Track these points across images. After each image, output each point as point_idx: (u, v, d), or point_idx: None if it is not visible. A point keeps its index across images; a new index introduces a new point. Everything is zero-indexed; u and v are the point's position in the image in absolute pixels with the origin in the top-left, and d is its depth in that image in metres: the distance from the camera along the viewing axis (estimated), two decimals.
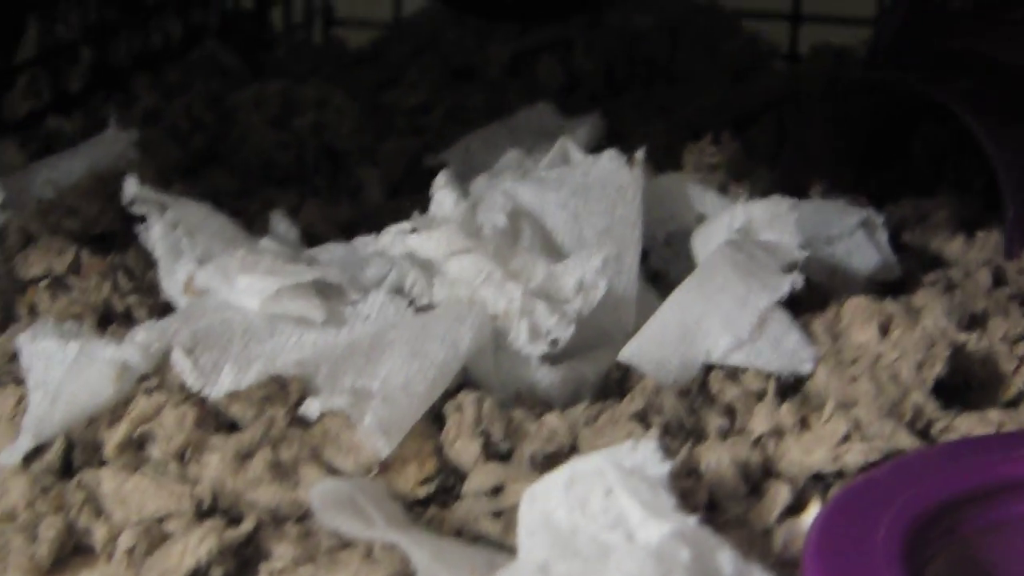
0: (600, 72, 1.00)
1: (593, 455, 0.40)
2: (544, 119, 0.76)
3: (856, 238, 0.62)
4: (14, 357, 0.51)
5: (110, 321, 0.55)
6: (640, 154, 0.57)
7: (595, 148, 0.63)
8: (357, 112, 0.83)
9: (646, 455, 0.40)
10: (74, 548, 0.46)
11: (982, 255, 0.65)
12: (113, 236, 0.61)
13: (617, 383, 0.52)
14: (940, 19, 0.73)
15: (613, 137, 0.80)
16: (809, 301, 0.57)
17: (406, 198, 0.71)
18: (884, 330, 0.52)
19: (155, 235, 0.54)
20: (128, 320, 0.55)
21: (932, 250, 0.68)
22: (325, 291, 0.52)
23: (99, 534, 0.45)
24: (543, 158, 0.61)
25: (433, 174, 0.63)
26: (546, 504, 0.40)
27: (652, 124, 0.84)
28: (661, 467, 0.40)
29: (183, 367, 0.47)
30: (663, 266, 0.59)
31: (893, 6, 0.78)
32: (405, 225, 0.52)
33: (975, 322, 0.56)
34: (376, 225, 0.56)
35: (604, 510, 0.39)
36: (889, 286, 0.62)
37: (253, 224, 0.63)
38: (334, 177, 0.78)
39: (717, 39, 1.07)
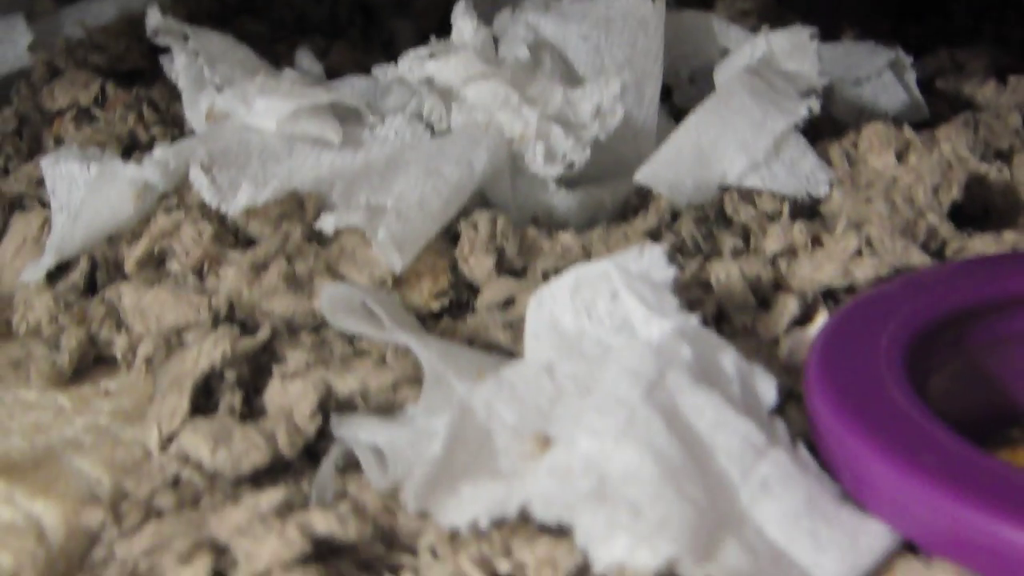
0: None
1: (600, 261, 0.40)
2: None
3: (884, 79, 0.62)
4: (40, 182, 0.52)
5: (134, 151, 0.56)
6: None
7: None
8: None
9: (652, 260, 0.40)
10: (95, 359, 0.47)
11: (1014, 98, 0.65)
12: (140, 74, 0.61)
13: (635, 209, 0.52)
14: None
15: None
16: (834, 132, 0.57)
17: None
18: (901, 156, 0.52)
19: (178, 65, 0.54)
20: (152, 150, 0.56)
21: (964, 95, 0.68)
22: (345, 116, 0.52)
23: (120, 344, 0.46)
24: None
25: None
26: (553, 308, 0.41)
27: None
28: (667, 271, 0.40)
29: (201, 184, 0.48)
30: (686, 103, 0.59)
31: None
32: (423, 50, 0.53)
33: (1000, 156, 0.56)
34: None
35: (609, 313, 0.40)
36: (918, 126, 0.62)
37: (281, 66, 0.63)
38: (367, 30, 0.78)
39: None
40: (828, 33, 0.71)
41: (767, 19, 0.71)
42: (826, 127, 0.58)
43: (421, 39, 0.74)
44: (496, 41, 0.55)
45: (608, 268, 0.40)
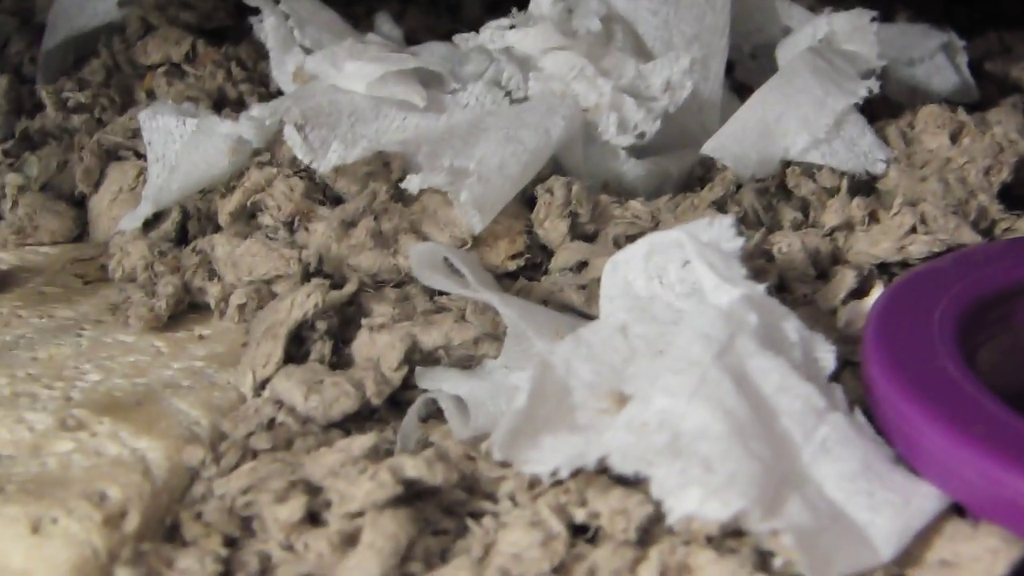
0: None
1: (672, 229, 0.43)
2: None
3: (936, 60, 0.64)
4: (135, 134, 0.55)
5: (223, 107, 0.59)
6: None
7: None
8: None
9: (722, 230, 0.43)
10: (189, 306, 0.50)
11: None
12: (228, 31, 0.64)
13: (699, 180, 0.54)
14: None
15: None
16: (888, 112, 0.59)
17: (504, 14, 0.73)
18: (955, 138, 0.55)
19: (267, 26, 0.57)
20: (240, 106, 0.59)
21: (1013, 78, 0.70)
22: (428, 80, 0.55)
23: (213, 292, 0.49)
24: None
25: None
26: (627, 272, 0.43)
27: None
28: (735, 241, 0.43)
29: (294, 142, 0.50)
30: (748, 79, 0.62)
31: None
32: (504, 21, 0.55)
33: None
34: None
35: (680, 279, 0.42)
36: (968, 108, 0.65)
37: (359, 27, 0.66)
38: None
39: None
40: (882, 13, 0.74)
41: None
42: (881, 107, 0.61)
43: (487, 5, 0.77)
44: (570, 12, 0.57)
45: (680, 236, 0.42)
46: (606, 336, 0.41)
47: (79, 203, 0.56)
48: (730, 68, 0.63)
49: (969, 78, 0.64)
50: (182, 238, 0.53)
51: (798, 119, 0.53)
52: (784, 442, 0.37)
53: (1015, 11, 0.82)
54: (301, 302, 0.45)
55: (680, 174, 0.54)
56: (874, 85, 0.55)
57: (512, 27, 0.55)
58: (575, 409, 0.39)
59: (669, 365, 0.39)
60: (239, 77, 0.59)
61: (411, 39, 0.67)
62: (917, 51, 0.65)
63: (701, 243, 0.42)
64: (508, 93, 0.55)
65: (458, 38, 0.57)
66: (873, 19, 0.58)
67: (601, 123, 0.52)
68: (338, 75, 0.53)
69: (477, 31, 0.58)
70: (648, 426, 0.37)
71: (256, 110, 0.51)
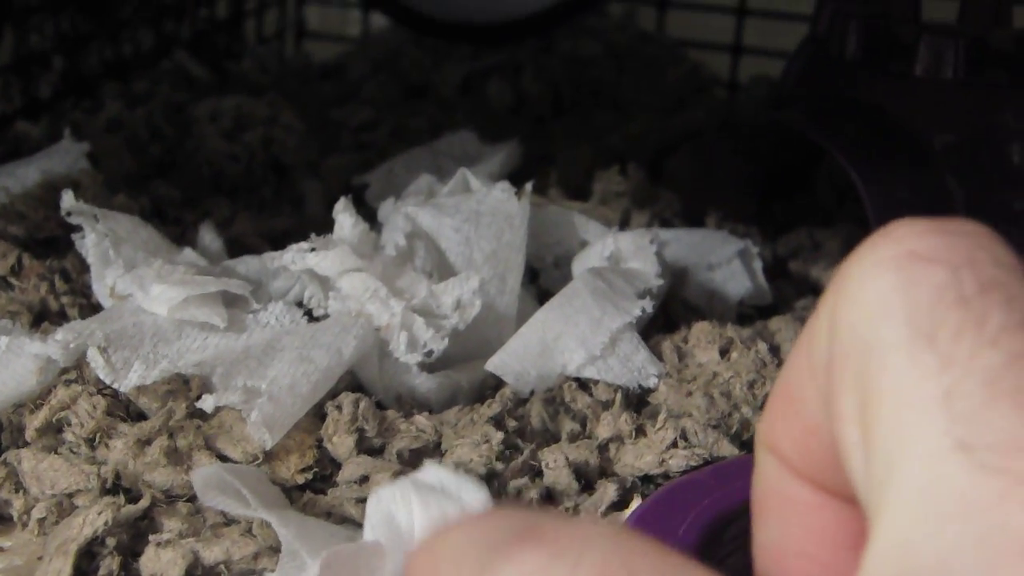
0: (548, 95, 1.06)
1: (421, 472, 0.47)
2: (466, 145, 0.82)
3: (733, 266, 0.69)
4: None
5: (45, 319, 0.62)
6: (528, 187, 0.64)
7: (513, 172, 0.70)
8: (304, 128, 0.89)
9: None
10: None
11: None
12: (57, 241, 0.67)
13: (492, 390, 0.58)
14: (836, 67, 0.79)
15: (540, 159, 0.87)
16: (689, 316, 0.64)
17: None
18: (724, 352, 0.59)
19: (88, 244, 0.60)
20: (63, 318, 0.62)
21: (812, 278, 0.75)
22: (232, 300, 0.58)
23: (17, 506, 0.52)
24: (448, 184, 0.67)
25: (363, 191, 0.70)
26: (390, 504, 0.46)
27: (578, 149, 0.91)
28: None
29: (97, 364, 0.54)
30: (551, 285, 0.66)
31: (798, 50, 0.85)
32: (304, 244, 0.59)
33: None
34: (311, 234, 0.61)
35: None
36: (762, 310, 0.69)
37: (188, 232, 0.69)
38: (279, 189, 0.84)
39: (662, 66, 1.14)
40: (697, 210, 0.78)
41: (638, 199, 0.78)
42: (677, 311, 0.65)
43: (329, 202, 0.81)
44: (371, 232, 0.61)
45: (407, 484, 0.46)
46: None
47: None
48: (534, 276, 0.67)
49: (763, 283, 0.69)
50: None
51: (575, 337, 0.57)
52: None
53: (828, 206, 0.87)
54: (92, 520, 0.48)
55: (471, 386, 0.58)
56: (648, 305, 0.59)
57: (312, 249, 0.58)
58: None
59: None
60: (62, 290, 0.62)
61: (240, 243, 0.71)
62: (715, 256, 0.69)
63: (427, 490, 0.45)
64: (308, 312, 0.59)
65: (266, 257, 0.61)
66: (653, 240, 0.63)
67: (392, 341, 0.56)
68: (145, 297, 0.56)
69: (314, 230, 0.61)
70: None
71: (62, 333, 0.54)
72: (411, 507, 0.45)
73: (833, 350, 0.24)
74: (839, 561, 0.28)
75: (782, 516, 0.29)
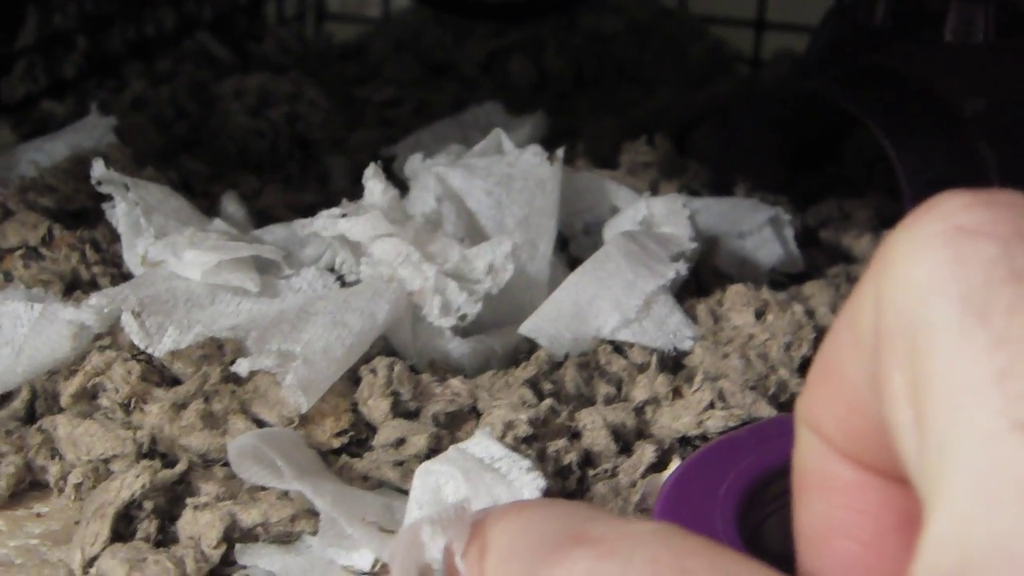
0: (570, 72, 1.06)
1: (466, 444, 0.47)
2: (492, 116, 0.82)
3: (764, 233, 0.68)
4: None
5: (77, 288, 0.61)
6: (560, 152, 0.63)
7: (539, 143, 0.70)
8: (329, 104, 0.89)
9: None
10: (30, 484, 0.52)
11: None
12: (86, 212, 0.67)
13: (526, 354, 0.58)
14: (864, 35, 0.79)
15: (565, 132, 0.87)
16: (717, 283, 0.63)
17: None
18: (760, 315, 0.58)
19: (118, 213, 0.60)
20: (93, 288, 0.62)
21: (844, 247, 0.74)
22: (264, 266, 0.58)
23: (53, 471, 0.51)
24: (478, 147, 0.67)
25: (391, 162, 0.70)
26: (438, 478, 0.46)
27: (603, 122, 0.90)
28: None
29: (131, 328, 0.53)
30: (581, 253, 0.66)
31: (824, 21, 0.84)
32: (336, 210, 0.59)
33: None
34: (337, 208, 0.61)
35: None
36: (794, 278, 0.69)
37: (216, 206, 0.69)
38: (304, 164, 0.84)
39: (684, 43, 1.13)
40: (725, 181, 0.78)
41: (666, 170, 0.78)
42: (709, 279, 0.65)
43: (354, 177, 0.81)
44: (401, 198, 0.61)
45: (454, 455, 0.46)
46: None
47: None
48: (565, 243, 0.66)
49: (794, 250, 0.69)
50: (31, 416, 0.55)
51: (610, 300, 0.57)
52: None
53: (857, 177, 0.87)
54: (129, 483, 0.48)
55: (504, 351, 0.58)
56: (682, 268, 0.58)
57: (344, 215, 0.58)
58: None
59: None
60: (93, 260, 0.62)
61: (268, 215, 0.70)
62: (746, 224, 0.69)
63: (477, 466, 0.45)
64: (340, 277, 0.59)
65: (296, 224, 0.60)
66: (685, 204, 0.62)
67: (426, 306, 0.56)
68: (178, 263, 0.56)
69: (339, 203, 0.61)
70: None
71: (95, 298, 0.54)
72: (459, 484, 0.45)
73: (880, 328, 0.24)
74: (884, 542, 0.28)
75: (824, 495, 0.29)
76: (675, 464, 0.51)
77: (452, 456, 0.46)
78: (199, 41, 1.05)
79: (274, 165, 0.84)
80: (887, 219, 0.78)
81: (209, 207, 0.68)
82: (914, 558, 0.22)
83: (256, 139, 0.85)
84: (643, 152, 0.78)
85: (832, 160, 0.89)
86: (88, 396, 0.54)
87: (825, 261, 0.71)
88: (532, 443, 0.50)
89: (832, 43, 0.83)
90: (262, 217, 0.69)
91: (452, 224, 0.60)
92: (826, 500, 0.29)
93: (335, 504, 0.46)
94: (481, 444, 0.47)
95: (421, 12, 1.17)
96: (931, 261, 0.23)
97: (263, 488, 0.49)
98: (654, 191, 0.76)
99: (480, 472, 0.45)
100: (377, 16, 1.23)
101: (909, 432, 0.23)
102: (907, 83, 0.76)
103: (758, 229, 0.68)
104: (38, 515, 0.51)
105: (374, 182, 0.60)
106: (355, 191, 0.67)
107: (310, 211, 0.69)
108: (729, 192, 0.77)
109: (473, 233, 0.61)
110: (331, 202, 0.68)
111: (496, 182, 0.62)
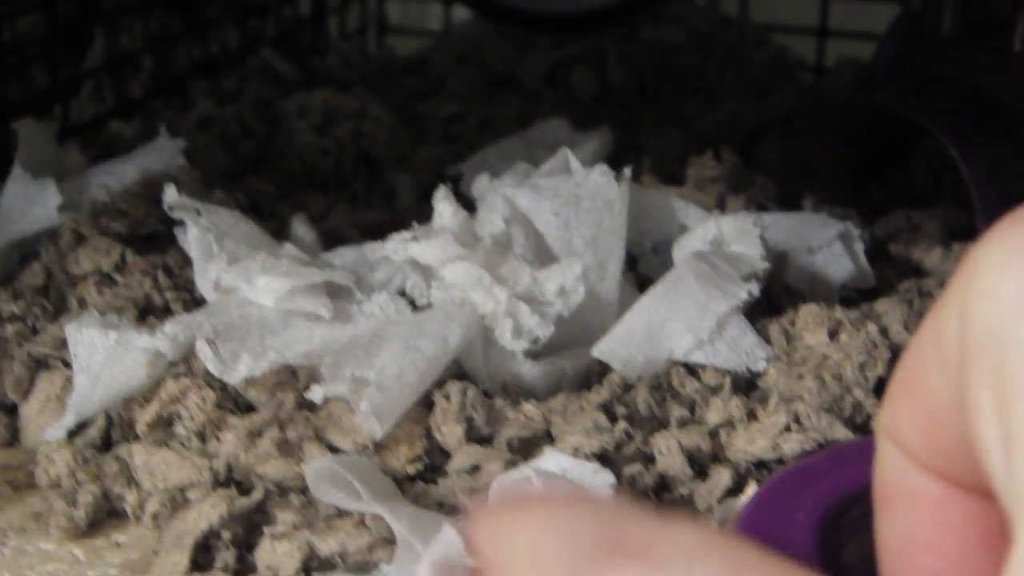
0: (631, 83, 1.06)
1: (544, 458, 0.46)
2: (557, 133, 0.82)
3: (834, 249, 0.68)
4: (64, 344, 0.58)
5: (150, 314, 0.62)
6: (627, 171, 0.63)
7: (605, 159, 0.70)
8: (394, 121, 0.89)
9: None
10: (108, 512, 0.52)
11: (956, 266, 0.71)
12: (158, 236, 0.68)
13: (596, 377, 0.58)
14: (931, 45, 0.78)
15: (630, 147, 0.86)
16: (788, 301, 0.63)
17: None
18: (833, 334, 0.58)
19: (190, 238, 0.61)
20: (166, 313, 0.62)
21: (914, 260, 0.74)
22: (336, 291, 0.58)
23: (130, 500, 0.52)
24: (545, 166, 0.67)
25: (457, 181, 0.70)
26: None
27: (668, 135, 0.90)
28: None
29: (205, 356, 0.54)
30: (650, 272, 0.65)
31: (891, 30, 0.84)
32: (406, 234, 0.59)
33: None
34: (404, 227, 0.61)
35: None
36: (865, 293, 0.68)
37: (285, 227, 0.70)
38: (370, 182, 0.84)
39: (746, 52, 1.13)
40: (792, 194, 0.78)
41: (733, 184, 0.78)
42: (779, 296, 0.64)
43: (420, 193, 0.81)
44: (471, 219, 0.61)
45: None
46: None
47: (11, 410, 0.59)
48: (633, 262, 0.66)
49: (865, 265, 0.68)
50: (106, 444, 0.56)
51: (682, 322, 0.56)
52: None
53: (924, 188, 0.86)
54: (207, 512, 0.48)
55: (576, 373, 0.58)
56: (754, 288, 0.58)
57: (414, 238, 0.58)
58: None
59: None
60: (165, 285, 0.62)
61: (336, 236, 0.71)
62: (816, 240, 0.68)
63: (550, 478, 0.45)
64: (411, 302, 0.59)
65: (367, 248, 0.61)
66: (756, 223, 0.62)
67: (497, 329, 0.56)
68: (250, 289, 0.57)
69: (407, 222, 0.61)
70: None
71: (170, 326, 0.55)
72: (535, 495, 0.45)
73: (966, 344, 0.23)
74: (969, 557, 0.28)
75: (907, 509, 0.28)
76: (751, 488, 0.51)
77: (525, 473, 0.46)
78: (263, 58, 1.05)
79: (340, 183, 0.84)
80: (956, 230, 0.77)
81: (278, 228, 0.68)
82: (1002, 574, 0.21)
83: (322, 157, 0.85)
84: (710, 166, 0.78)
85: (898, 170, 0.89)
86: (164, 424, 0.54)
87: (895, 275, 0.71)
88: (607, 468, 0.50)
89: (899, 53, 0.82)
90: (330, 238, 0.69)
91: (520, 246, 0.60)
92: (909, 515, 0.29)
93: (412, 528, 0.46)
94: (552, 459, 0.47)
95: (482, 25, 1.17)
96: (1018, 277, 0.22)
97: (339, 516, 0.49)
98: (721, 206, 0.76)
99: (553, 481, 0.45)
100: (437, 29, 1.23)
101: (996, 448, 0.23)
102: (975, 93, 0.75)
103: (828, 244, 0.68)
104: (117, 544, 0.51)
105: (444, 204, 0.60)
106: (421, 209, 0.67)
107: (378, 231, 0.70)
108: (796, 205, 0.77)
109: (542, 255, 0.61)
110: (398, 221, 0.68)
111: (563, 203, 0.62)
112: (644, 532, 0.25)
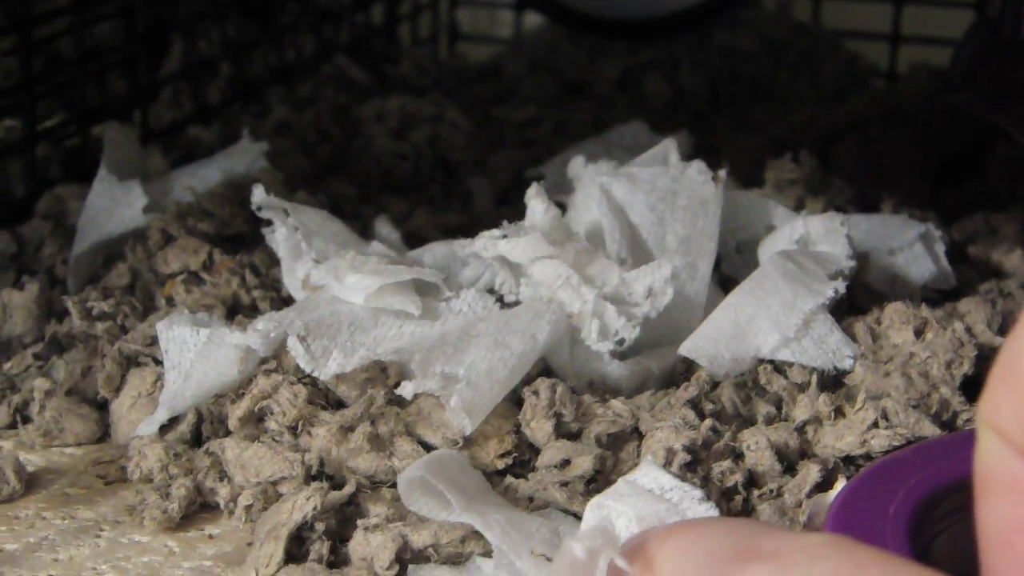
0: (704, 89, 1.06)
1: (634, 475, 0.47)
2: (637, 135, 0.82)
3: (915, 250, 0.68)
4: (154, 341, 0.59)
5: (238, 312, 0.63)
6: (723, 172, 0.63)
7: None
8: (470, 126, 0.90)
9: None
10: (200, 506, 0.53)
11: None
12: (243, 237, 0.68)
13: (683, 375, 0.58)
14: (1011, 48, 0.78)
15: (706, 150, 0.87)
16: (871, 300, 0.63)
17: (512, 206, 0.77)
18: (919, 333, 0.58)
19: (279, 237, 0.61)
20: (254, 312, 0.63)
21: (994, 262, 0.74)
22: (424, 288, 0.59)
23: (223, 493, 0.52)
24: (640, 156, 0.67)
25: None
26: (610, 513, 0.46)
27: (744, 140, 0.90)
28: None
29: (297, 352, 0.54)
30: (733, 272, 0.66)
31: (967, 34, 0.84)
32: (496, 232, 0.59)
33: None
34: (482, 230, 0.62)
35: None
36: (946, 294, 0.68)
37: (368, 227, 0.70)
38: (447, 186, 0.85)
39: (818, 58, 1.13)
40: (869, 197, 0.78)
41: (812, 187, 0.78)
42: (862, 296, 0.64)
43: (497, 197, 0.81)
44: (562, 217, 0.61)
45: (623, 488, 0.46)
46: None
47: (102, 406, 0.60)
48: (717, 262, 0.66)
49: (946, 266, 0.68)
50: (197, 439, 0.56)
51: (769, 320, 0.57)
52: None
53: (1001, 191, 0.86)
54: (301, 505, 0.49)
55: (662, 371, 0.58)
56: (840, 286, 0.58)
57: (504, 236, 0.59)
58: None
59: None
60: (252, 284, 0.63)
61: (418, 237, 0.71)
62: (896, 241, 0.68)
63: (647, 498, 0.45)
64: (500, 298, 0.59)
65: (456, 245, 0.61)
66: (843, 223, 0.62)
67: (584, 329, 0.56)
68: (340, 287, 0.57)
69: (484, 225, 0.62)
70: None
71: (262, 323, 0.55)
72: (631, 520, 0.45)
73: None
74: None
75: (1007, 496, 0.29)
76: (840, 484, 0.51)
77: (622, 490, 0.46)
78: (338, 65, 1.06)
79: (417, 187, 0.85)
80: None
81: (361, 229, 0.69)
82: None
83: (399, 162, 0.86)
84: (788, 169, 0.78)
85: (974, 175, 0.88)
86: (255, 419, 0.55)
87: (976, 277, 0.71)
88: (696, 466, 0.50)
89: (976, 57, 0.82)
90: (412, 239, 0.70)
91: (614, 241, 0.60)
92: (1010, 501, 0.29)
93: (504, 536, 0.46)
94: (650, 475, 0.47)
95: (554, 31, 1.17)
96: None
97: None
98: (799, 208, 0.76)
99: (652, 504, 0.45)
100: (508, 36, 1.24)
101: None
102: None
103: (909, 245, 0.68)
104: (210, 536, 0.52)
105: (536, 202, 0.60)
106: (499, 213, 0.67)
107: (457, 233, 0.70)
108: (874, 208, 0.77)
109: (635, 249, 0.61)
110: (476, 224, 0.69)
111: (660, 197, 0.62)
112: (772, 539, 0.26)
